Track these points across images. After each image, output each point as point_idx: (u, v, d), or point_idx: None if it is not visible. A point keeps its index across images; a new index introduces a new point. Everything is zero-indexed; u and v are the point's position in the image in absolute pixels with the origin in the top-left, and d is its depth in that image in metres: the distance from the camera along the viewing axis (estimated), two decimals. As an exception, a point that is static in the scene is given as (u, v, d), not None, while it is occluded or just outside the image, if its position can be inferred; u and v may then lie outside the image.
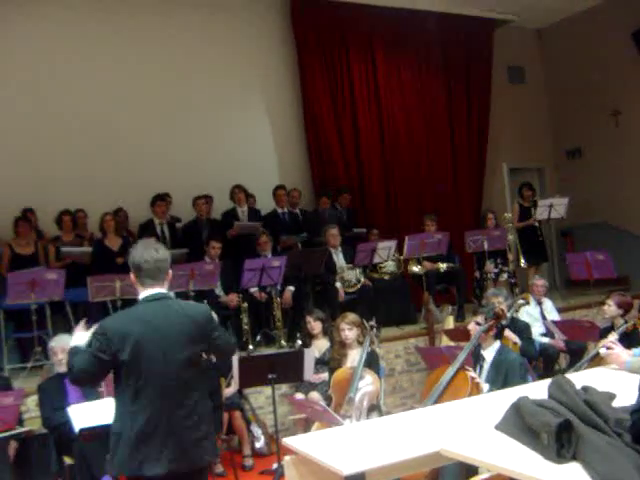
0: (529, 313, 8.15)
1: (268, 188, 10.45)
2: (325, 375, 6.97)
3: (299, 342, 7.81)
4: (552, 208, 10.18)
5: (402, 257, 9.44)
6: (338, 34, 11.51)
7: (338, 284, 9.05)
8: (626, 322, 6.35)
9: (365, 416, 5.93)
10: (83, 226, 9.53)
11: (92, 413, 5.01)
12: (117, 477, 3.68)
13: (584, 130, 12.99)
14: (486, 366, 5.50)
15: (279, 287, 8.62)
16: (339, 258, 9.37)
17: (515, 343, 7.06)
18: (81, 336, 3.74)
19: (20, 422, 6.01)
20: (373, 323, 6.56)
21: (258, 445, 7.09)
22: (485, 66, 12.83)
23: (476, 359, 5.58)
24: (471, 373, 5.16)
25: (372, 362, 6.38)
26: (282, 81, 11.41)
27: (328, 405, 6.06)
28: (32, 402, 6.49)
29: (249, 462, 6.90)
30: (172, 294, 8.12)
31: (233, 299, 8.49)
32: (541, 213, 10.28)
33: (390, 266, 9.72)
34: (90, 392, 5.51)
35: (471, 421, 3.33)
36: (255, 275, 8.13)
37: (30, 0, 9.58)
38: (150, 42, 10.31)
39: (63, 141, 9.67)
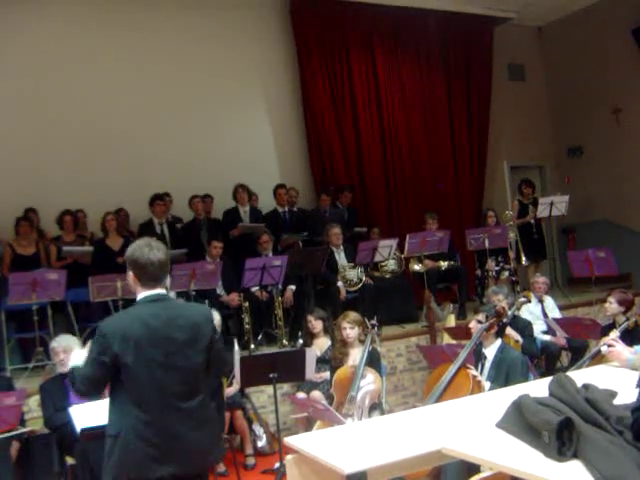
0: (530, 311, 8.15)
1: (269, 187, 10.45)
2: (327, 374, 6.97)
3: (300, 341, 7.81)
4: (553, 206, 10.19)
5: (403, 255, 9.44)
6: (338, 33, 11.50)
7: (340, 283, 9.05)
8: (627, 319, 6.35)
9: (367, 415, 5.93)
10: (84, 226, 9.53)
11: (94, 413, 5.00)
12: None
13: (585, 128, 12.98)
14: (487, 364, 5.50)
15: (280, 286, 8.62)
16: (341, 257, 9.37)
17: (517, 341, 7.06)
18: (79, 355, 3.69)
19: (22, 422, 6.01)
20: (374, 322, 6.56)
21: (260, 444, 7.09)
22: (485, 64, 12.83)
23: (477, 357, 5.58)
24: (472, 371, 5.16)
25: (373, 361, 6.38)
26: (282, 80, 11.41)
27: (330, 404, 6.07)
28: (34, 402, 6.50)
29: (251, 461, 6.90)
30: (173, 293, 8.21)
31: (234, 298, 8.50)
32: (542, 211, 10.29)
33: (391, 264, 9.72)
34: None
35: (472, 419, 3.32)
36: (256, 274, 8.13)
37: (31, 0, 9.59)
38: (150, 42, 10.30)
39: (64, 141, 9.67)
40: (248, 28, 11.06)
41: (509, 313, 6.85)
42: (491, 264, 9.67)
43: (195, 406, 3.55)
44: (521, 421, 2.72)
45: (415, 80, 12.15)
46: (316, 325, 7.38)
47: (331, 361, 6.87)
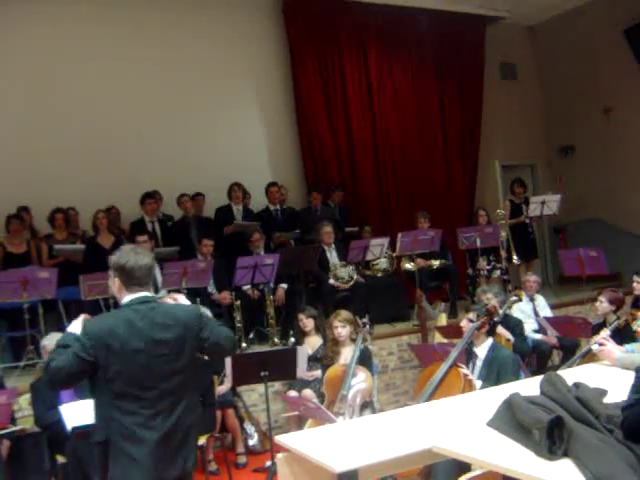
0: (522, 310, 8.16)
1: (260, 185, 10.44)
2: (318, 372, 6.98)
3: (292, 340, 7.81)
4: (545, 205, 10.21)
5: (395, 254, 9.44)
6: (330, 32, 11.49)
7: (332, 281, 9.05)
8: (618, 318, 6.37)
9: (358, 413, 5.94)
10: (75, 224, 9.51)
11: (84, 412, 4.99)
12: None
13: (576, 127, 13.02)
14: (479, 363, 5.51)
15: (272, 285, 8.62)
16: (332, 255, 9.37)
17: (508, 340, 7.06)
18: (78, 326, 3.62)
19: (13, 421, 5.99)
20: (366, 320, 6.58)
21: (251, 443, 7.08)
22: (477, 63, 12.84)
23: (469, 356, 5.59)
24: (464, 370, 5.17)
25: (365, 359, 6.39)
26: (274, 79, 11.39)
27: (321, 402, 6.07)
28: (25, 401, 6.47)
29: (242, 460, 6.91)
30: (164, 291, 8.21)
31: (226, 297, 8.50)
32: (534, 210, 10.30)
33: (383, 263, 9.71)
34: (82, 391, 5.50)
35: (464, 418, 3.33)
36: (248, 273, 8.13)
37: (27, -1, 9.58)
38: (143, 41, 10.26)
39: (56, 140, 9.62)
40: (240, 27, 11.03)
41: (500, 312, 6.86)
42: (482, 263, 9.68)
43: (181, 411, 3.52)
44: (512, 420, 2.73)
45: (407, 79, 12.15)
46: (307, 323, 7.39)
47: (323, 359, 6.88)
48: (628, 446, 2.40)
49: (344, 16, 11.53)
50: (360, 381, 6.06)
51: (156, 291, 7.95)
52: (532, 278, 8.58)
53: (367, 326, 6.60)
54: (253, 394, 7.62)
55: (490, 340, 5.60)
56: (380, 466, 3.02)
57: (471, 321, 5.59)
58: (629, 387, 2.63)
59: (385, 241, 9.27)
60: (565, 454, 2.48)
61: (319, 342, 7.32)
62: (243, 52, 11.04)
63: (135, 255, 3.59)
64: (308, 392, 6.93)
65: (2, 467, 5.71)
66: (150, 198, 9.48)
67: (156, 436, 3.42)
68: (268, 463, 6.39)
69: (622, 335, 5.72)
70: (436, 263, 9.70)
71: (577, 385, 2.83)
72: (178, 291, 7.96)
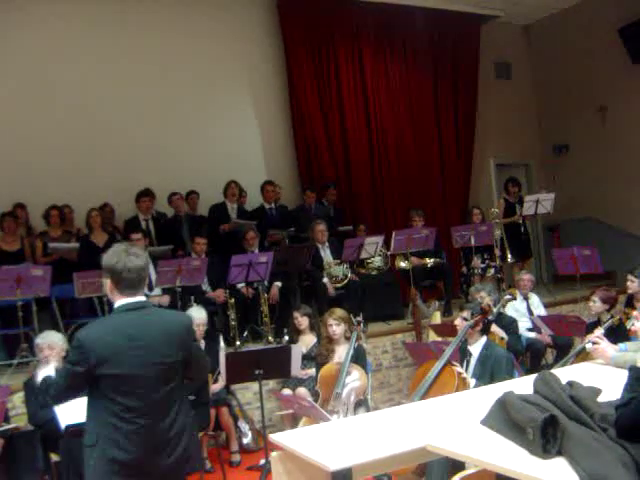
0: (516, 308, 8.17)
1: (254, 184, 10.43)
2: (312, 371, 6.98)
3: (286, 338, 7.81)
4: (539, 203, 10.22)
5: (389, 252, 9.44)
6: (325, 30, 11.48)
7: (325, 279, 9.05)
8: (612, 317, 6.38)
9: (352, 412, 5.95)
10: (70, 222, 9.49)
11: (78, 410, 4.98)
12: None
13: (571, 126, 13.03)
14: (473, 361, 5.52)
15: (266, 283, 8.62)
16: (326, 254, 9.38)
17: (502, 338, 7.07)
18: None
19: (6, 419, 5.97)
20: (360, 318, 6.56)
21: (245, 441, 7.08)
22: (472, 62, 12.85)
23: (463, 354, 5.59)
24: (458, 368, 5.18)
25: (359, 357, 6.39)
26: (269, 77, 11.37)
27: (315, 401, 6.07)
28: (18, 399, 6.47)
29: (236, 458, 6.90)
30: (159, 290, 8.20)
31: (220, 295, 8.49)
32: (528, 208, 10.31)
33: (377, 261, 9.73)
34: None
35: (458, 416, 3.34)
36: (242, 271, 8.12)
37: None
38: (137, 40, 10.24)
39: (52, 137, 9.59)
40: (235, 25, 11.02)
41: (494, 310, 6.88)
42: (477, 261, 9.70)
43: (174, 416, 3.50)
44: (506, 418, 2.73)
45: (402, 77, 12.14)
46: (302, 321, 7.38)
47: (317, 358, 6.87)
48: (622, 445, 2.41)
49: (339, 15, 11.52)
50: (354, 379, 6.06)
51: (150, 289, 7.96)
52: (526, 277, 8.58)
53: (361, 324, 6.59)
54: (247, 392, 7.61)
55: (484, 338, 5.61)
56: (374, 464, 3.02)
57: (465, 319, 5.60)
58: (623, 386, 2.64)
59: (379, 239, 9.27)
60: (559, 453, 2.48)
61: (313, 340, 7.32)
62: (238, 50, 11.03)
63: (126, 256, 3.48)
64: (302, 390, 6.92)
65: (-5, 465, 5.70)
66: (145, 196, 9.49)
67: (147, 442, 3.40)
68: (262, 461, 6.38)
69: (616, 334, 5.72)
70: (430, 262, 9.71)
71: (571, 384, 2.83)
72: (172, 290, 7.98)
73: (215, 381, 6.76)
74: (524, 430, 2.58)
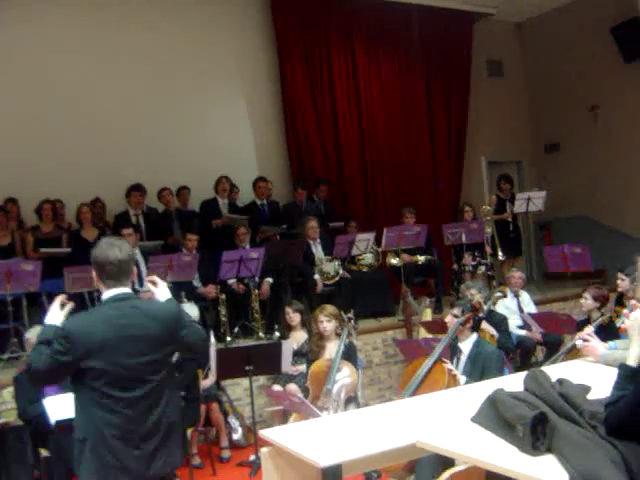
0: (506, 306, 8.19)
1: (246, 180, 10.43)
2: (303, 367, 6.98)
3: (277, 334, 7.80)
4: (530, 201, 10.24)
5: (380, 249, 9.46)
6: (318, 27, 11.46)
7: (316, 276, 9.06)
8: (602, 315, 6.40)
9: (342, 408, 5.95)
10: (61, 216, 9.46)
11: (68, 405, 4.96)
12: None
13: (562, 124, 13.05)
14: (463, 358, 5.52)
15: (257, 279, 8.61)
16: (318, 250, 9.38)
17: (492, 335, 7.09)
18: (56, 315, 3.59)
19: (-5, 414, 5.98)
20: (351, 315, 6.57)
21: (235, 437, 7.07)
22: (464, 60, 12.84)
23: (453, 351, 5.60)
24: (448, 365, 5.18)
25: (350, 354, 6.40)
26: (262, 74, 11.35)
27: (306, 397, 6.07)
28: (8, 394, 6.44)
29: (226, 454, 6.89)
30: (147, 285, 8.16)
31: (211, 291, 8.48)
32: (519, 206, 10.33)
33: (368, 258, 9.73)
34: (67, 384, 5.47)
35: (448, 413, 3.34)
36: (233, 267, 8.12)
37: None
38: (130, 37, 10.20)
39: (44, 132, 9.57)
40: (228, 21, 11.00)
41: (485, 308, 6.89)
42: (468, 259, 9.71)
43: (162, 409, 3.48)
44: (496, 415, 2.74)
45: (394, 75, 12.13)
46: (294, 317, 7.38)
47: (307, 354, 6.88)
48: (611, 442, 2.42)
49: (332, 12, 11.50)
50: (345, 376, 6.06)
51: (141, 284, 7.93)
52: (517, 274, 8.60)
53: (352, 321, 6.59)
54: (237, 388, 7.61)
55: (474, 336, 5.62)
56: (364, 461, 3.02)
57: (456, 317, 5.60)
58: (612, 384, 2.64)
59: (371, 236, 9.28)
60: (548, 450, 2.49)
61: (304, 337, 7.32)
62: (231, 47, 11.02)
63: (109, 249, 3.50)
64: (293, 387, 6.93)
65: (-15, 460, 5.69)
66: (135, 191, 9.46)
67: (136, 435, 3.38)
68: (252, 457, 6.40)
69: (606, 332, 5.74)
70: (421, 259, 9.72)
71: (561, 381, 2.84)
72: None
73: (205, 377, 6.76)
74: (514, 427, 2.58)
